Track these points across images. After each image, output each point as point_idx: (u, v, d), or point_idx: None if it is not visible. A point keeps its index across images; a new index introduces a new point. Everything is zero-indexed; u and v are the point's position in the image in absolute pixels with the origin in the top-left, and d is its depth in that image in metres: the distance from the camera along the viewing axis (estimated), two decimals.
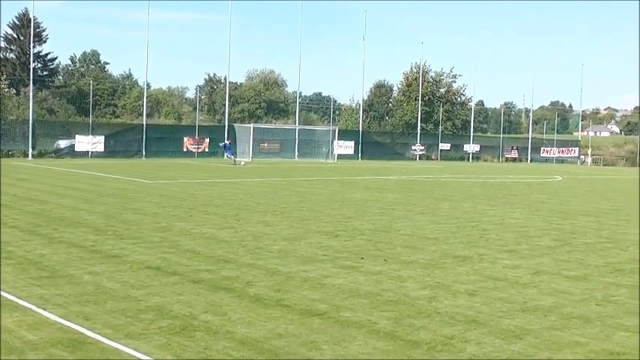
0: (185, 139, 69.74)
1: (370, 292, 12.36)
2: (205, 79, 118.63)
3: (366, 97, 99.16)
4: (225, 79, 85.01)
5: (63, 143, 64.15)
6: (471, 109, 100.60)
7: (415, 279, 13.68)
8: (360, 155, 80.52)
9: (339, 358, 8.83)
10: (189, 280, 12.85)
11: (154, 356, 8.61)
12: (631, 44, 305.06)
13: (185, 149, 68.91)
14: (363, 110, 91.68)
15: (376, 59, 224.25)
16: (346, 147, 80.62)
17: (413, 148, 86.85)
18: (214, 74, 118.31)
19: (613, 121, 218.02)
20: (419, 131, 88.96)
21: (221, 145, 64.42)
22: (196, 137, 70.16)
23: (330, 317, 10.63)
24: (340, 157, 76.43)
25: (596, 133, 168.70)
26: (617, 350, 9.61)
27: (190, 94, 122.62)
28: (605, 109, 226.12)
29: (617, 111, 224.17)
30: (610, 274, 15.13)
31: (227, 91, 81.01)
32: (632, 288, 13.73)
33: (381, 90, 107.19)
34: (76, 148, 63.33)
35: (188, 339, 9.32)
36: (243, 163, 58.09)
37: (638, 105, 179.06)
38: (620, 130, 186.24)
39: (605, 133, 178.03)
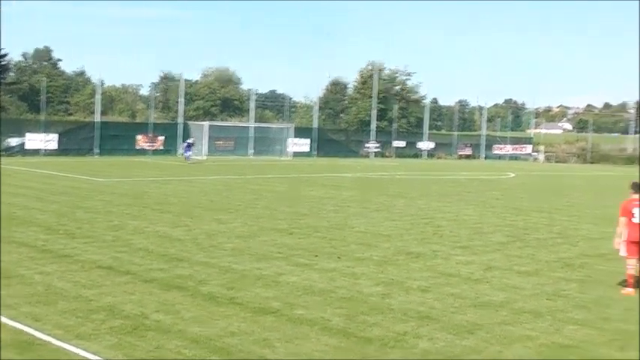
0: (139, 136, 69.04)
1: (324, 290, 12.37)
2: (160, 77, 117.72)
3: (321, 95, 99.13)
4: (180, 76, 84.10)
5: (13, 141, 63.08)
6: (425, 106, 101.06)
7: (369, 276, 13.73)
8: (315, 153, 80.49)
9: (291, 355, 8.83)
10: (141, 280, 12.74)
11: (104, 356, 8.53)
12: (583, 43, 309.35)
13: (139, 147, 68.23)
14: (319, 108, 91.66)
15: (332, 56, 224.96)
16: (302, 144, 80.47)
17: (367, 145, 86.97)
18: (169, 72, 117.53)
19: (565, 118, 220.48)
20: (373, 129, 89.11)
21: (185, 143, 63.69)
22: (150, 135, 69.54)
23: (283, 315, 10.63)
24: (296, 154, 76.31)
25: (548, 130, 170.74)
26: (567, 343, 9.75)
27: (145, 91, 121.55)
28: (557, 107, 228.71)
29: (569, 109, 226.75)
30: (560, 269, 15.35)
31: (182, 88, 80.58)
32: (582, 282, 13.94)
33: (336, 87, 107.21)
34: (28, 146, 62.27)
35: (139, 338, 9.25)
36: (197, 160, 57.73)
37: (590, 103, 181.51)
38: (574, 127, 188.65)
39: (558, 131, 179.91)
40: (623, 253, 13.44)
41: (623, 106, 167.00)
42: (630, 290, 13.03)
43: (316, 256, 15.67)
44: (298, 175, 44.59)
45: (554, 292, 12.97)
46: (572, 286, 13.59)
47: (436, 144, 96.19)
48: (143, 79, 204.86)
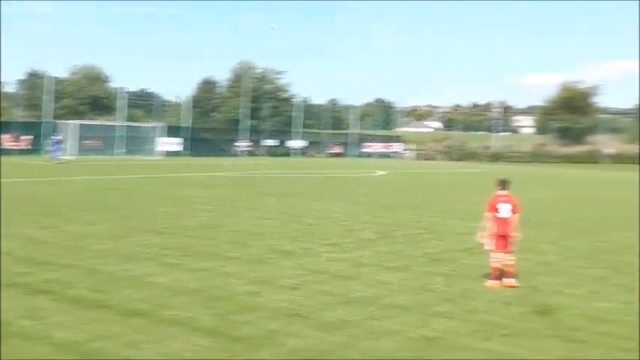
0: (4, 136, 66.56)
1: (194, 290, 12.24)
2: (27, 74, 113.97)
3: (193, 93, 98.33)
4: (46, 73, 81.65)
5: None
6: (296, 105, 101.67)
7: (239, 275, 13.68)
8: (187, 152, 79.76)
9: (160, 355, 8.71)
10: (4, 285, 12.24)
11: None
12: (448, 44, 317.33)
13: (3, 147, 65.78)
14: (191, 106, 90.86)
15: (203, 55, 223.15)
16: (173, 144, 79.65)
17: (238, 144, 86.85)
18: (35, 69, 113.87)
19: (431, 117, 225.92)
20: (245, 127, 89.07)
21: (51, 140, 61.65)
22: (16, 134, 67.23)
23: (152, 316, 10.45)
24: (168, 153, 75.44)
25: (417, 129, 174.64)
26: (433, 335, 9.99)
27: (10, 88, 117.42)
28: (425, 106, 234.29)
29: (437, 108, 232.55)
30: (428, 263, 15.72)
31: (49, 85, 78.20)
32: (448, 276, 14.31)
33: (207, 86, 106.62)
34: None
35: (3, 346, 8.92)
36: (66, 160, 56.20)
37: (476, 102, 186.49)
38: (444, 126, 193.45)
39: (427, 129, 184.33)
40: (487, 246, 13.89)
41: (488, 106, 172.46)
42: (494, 282, 13.48)
43: (187, 256, 15.50)
44: (169, 175, 44.09)
45: (422, 286, 13.27)
46: (438, 280, 13.93)
47: (308, 142, 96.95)
48: (8, 76, 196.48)
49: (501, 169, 65.28)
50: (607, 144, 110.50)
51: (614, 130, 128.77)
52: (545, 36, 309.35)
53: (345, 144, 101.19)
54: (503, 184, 14.07)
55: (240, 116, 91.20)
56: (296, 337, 9.66)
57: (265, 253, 16.29)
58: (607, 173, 70.13)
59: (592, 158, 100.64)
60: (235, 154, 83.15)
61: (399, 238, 19.42)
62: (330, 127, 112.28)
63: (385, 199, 31.24)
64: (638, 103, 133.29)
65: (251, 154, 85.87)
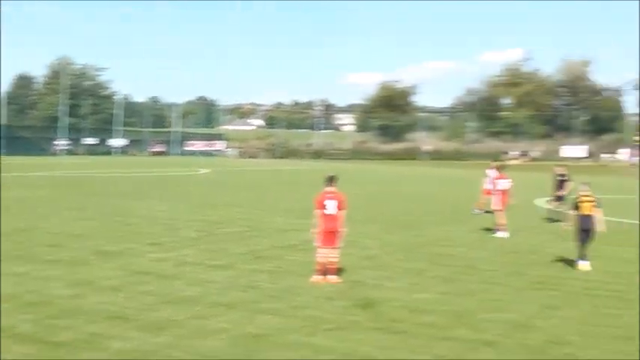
0: None
1: (11, 295, 11.68)
2: None
3: (8, 89, 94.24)
4: None
5: None
6: (117, 102, 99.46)
7: (59, 278, 13.20)
8: (3, 151, 76.30)
9: None
10: None
11: None
12: (269, 43, 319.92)
13: None
14: (6, 103, 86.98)
15: (19, 50, 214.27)
16: None
17: (56, 143, 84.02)
18: None
19: (256, 115, 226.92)
20: (63, 125, 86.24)
21: None
22: None
23: None
24: None
25: (240, 127, 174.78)
26: (259, 332, 10.02)
27: None
28: (248, 104, 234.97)
29: (259, 106, 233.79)
30: (252, 261, 15.75)
31: None
32: (273, 273, 14.40)
33: (23, 82, 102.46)
34: None
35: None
36: None
37: (279, 101, 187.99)
38: (266, 124, 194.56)
39: (249, 127, 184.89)
40: (316, 242, 14.07)
41: (310, 104, 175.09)
42: (319, 277, 13.68)
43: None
44: None
45: (247, 283, 13.28)
46: (263, 277, 13.98)
47: (130, 141, 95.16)
48: None
49: (323, 167, 66.50)
50: (425, 141, 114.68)
51: (431, 127, 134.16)
52: (365, 36, 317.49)
53: (167, 142, 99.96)
54: (331, 180, 14.26)
55: (59, 114, 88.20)
56: (119, 339, 9.43)
57: (86, 254, 15.81)
58: (425, 169, 72.68)
59: (411, 155, 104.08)
60: (54, 153, 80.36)
61: (223, 236, 19.37)
62: (152, 125, 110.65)
63: (209, 198, 31.10)
64: (453, 102, 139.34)
65: (70, 152, 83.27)
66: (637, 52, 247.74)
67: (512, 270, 15.66)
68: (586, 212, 16.12)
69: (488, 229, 22.07)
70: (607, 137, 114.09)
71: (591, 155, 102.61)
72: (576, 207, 16.31)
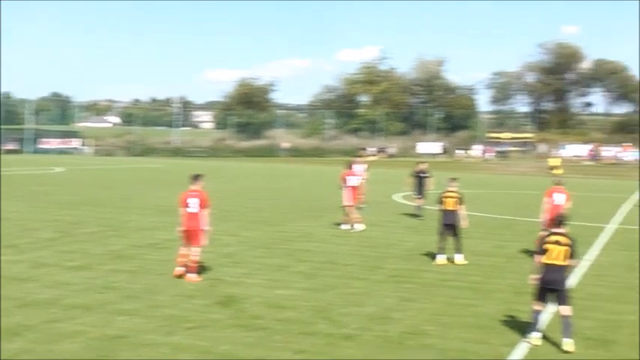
0: None
1: None
2: None
3: None
4: None
5: None
6: None
7: None
8: None
9: None
10: None
11: None
12: (126, 39, 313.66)
13: None
14: None
15: None
16: None
17: None
18: None
19: (112, 112, 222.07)
20: None
21: None
22: None
23: None
24: None
25: (96, 124, 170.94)
26: (117, 334, 9.88)
27: None
28: (105, 101, 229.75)
29: (115, 102, 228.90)
30: (111, 261, 15.47)
31: None
32: (132, 273, 14.20)
33: None
34: None
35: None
36: None
37: (137, 98, 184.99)
38: (123, 121, 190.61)
39: (106, 124, 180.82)
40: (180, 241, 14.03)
41: (167, 101, 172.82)
42: (181, 269, 13.65)
43: None
44: None
45: (105, 284, 13.04)
46: (122, 277, 13.77)
47: None
48: None
49: (182, 164, 65.89)
50: (284, 138, 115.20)
51: (290, 125, 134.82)
52: (223, 33, 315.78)
53: (20, 140, 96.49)
54: (196, 179, 14.23)
55: None
56: None
57: None
58: (284, 166, 73.02)
59: (270, 152, 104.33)
60: None
61: (81, 236, 18.92)
62: (4, 121, 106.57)
63: (65, 197, 30.25)
64: (311, 99, 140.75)
65: None
66: (492, 54, 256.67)
67: (370, 264, 16.01)
68: (449, 207, 16.62)
69: (339, 224, 22.33)
70: (461, 134, 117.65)
71: (446, 151, 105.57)
72: (441, 202, 16.80)
